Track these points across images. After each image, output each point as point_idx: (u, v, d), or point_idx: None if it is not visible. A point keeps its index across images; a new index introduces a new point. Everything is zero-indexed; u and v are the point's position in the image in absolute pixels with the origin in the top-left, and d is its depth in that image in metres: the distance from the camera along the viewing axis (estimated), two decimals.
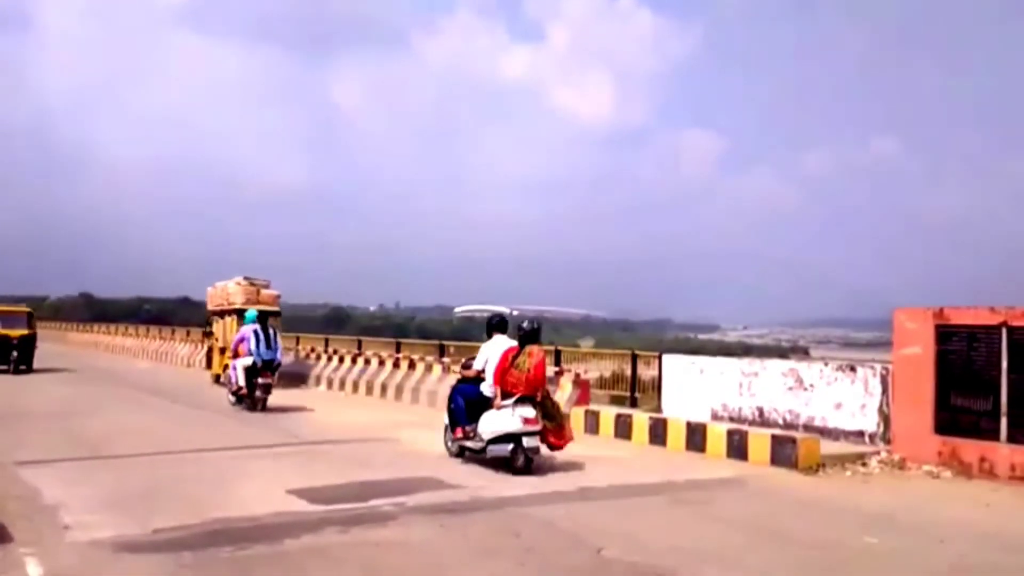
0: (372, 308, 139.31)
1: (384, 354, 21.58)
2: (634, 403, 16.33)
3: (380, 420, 15.52)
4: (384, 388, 19.92)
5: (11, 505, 7.91)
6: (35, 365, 24.79)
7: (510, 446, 10.34)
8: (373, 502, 8.41)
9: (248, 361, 16.49)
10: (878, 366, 12.64)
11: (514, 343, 11.07)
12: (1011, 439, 10.51)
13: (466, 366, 11.86)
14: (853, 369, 12.81)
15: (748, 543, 7.34)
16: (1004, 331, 10.70)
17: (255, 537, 7.01)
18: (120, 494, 8.63)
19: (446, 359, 19.47)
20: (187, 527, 7.29)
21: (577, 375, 15.64)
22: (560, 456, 10.98)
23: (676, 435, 12.59)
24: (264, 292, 22.65)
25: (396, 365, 20.26)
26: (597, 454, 12.06)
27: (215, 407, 17.03)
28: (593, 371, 17.81)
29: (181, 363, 31.52)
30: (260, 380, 16.27)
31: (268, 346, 16.59)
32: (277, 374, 16.99)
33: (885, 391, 12.15)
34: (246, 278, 22.89)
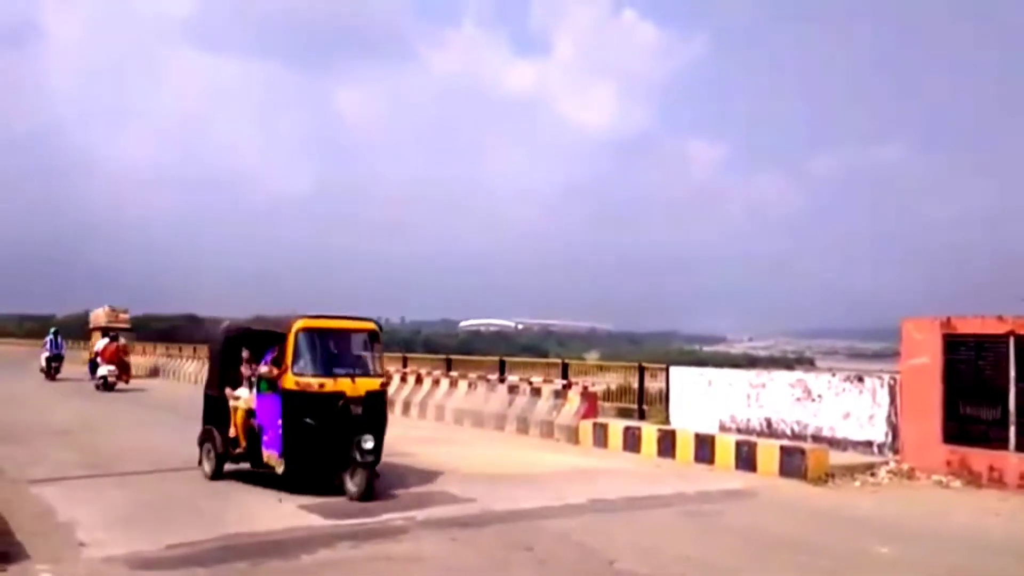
0: None
1: (391, 369, 21.59)
2: (642, 415, 16.34)
3: (388, 435, 15.45)
4: (391, 403, 19.90)
5: (26, 523, 7.94)
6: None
7: (103, 381, 24.57)
8: (385, 516, 8.45)
9: (47, 353, 29.83)
10: (886, 376, 12.66)
11: (107, 340, 26.22)
12: (1020, 448, 10.52)
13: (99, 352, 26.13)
14: (861, 380, 12.83)
15: (760, 554, 7.37)
16: (1012, 340, 10.73)
17: (269, 552, 7.05)
18: (133, 511, 8.68)
19: (454, 373, 19.50)
20: (200, 543, 7.33)
21: (585, 388, 15.66)
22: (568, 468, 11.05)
23: (685, 447, 12.60)
24: (121, 316, 35.36)
25: (403, 380, 20.29)
26: (607, 466, 12.08)
27: None
28: (600, 384, 17.82)
29: (189, 380, 31.56)
30: (53, 364, 29.50)
31: (56, 346, 30.06)
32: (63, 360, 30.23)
33: (893, 401, 12.17)
34: (110, 307, 35.61)
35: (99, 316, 35.24)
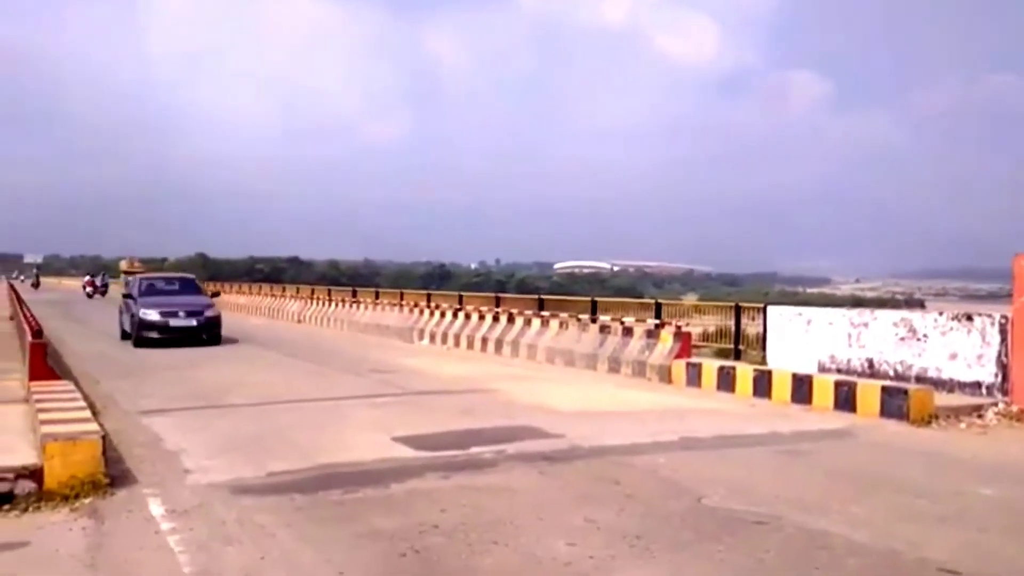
0: (473, 265, 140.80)
1: (484, 309, 21.80)
2: (738, 356, 16.05)
3: (481, 372, 15.74)
4: (484, 342, 20.16)
5: (135, 451, 8.41)
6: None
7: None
8: (474, 449, 8.57)
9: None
10: (997, 315, 12.02)
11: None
12: None
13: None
14: (970, 319, 12.23)
15: (856, 493, 7.16)
16: None
17: (363, 481, 7.25)
18: (236, 441, 9.05)
19: (545, 313, 19.54)
20: (299, 471, 7.61)
21: (678, 328, 15.43)
22: (659, 407, 11.00)
23: (781, 387, 12.32)
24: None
25: (496, 319, 20.44)
26: (699, 406, 11.95)
27: (326, 361, 17.59)
28: (696, 326, 17.55)
29: (292, 319, 32.64)
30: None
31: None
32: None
33: (1004, 341, 11.58)
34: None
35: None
